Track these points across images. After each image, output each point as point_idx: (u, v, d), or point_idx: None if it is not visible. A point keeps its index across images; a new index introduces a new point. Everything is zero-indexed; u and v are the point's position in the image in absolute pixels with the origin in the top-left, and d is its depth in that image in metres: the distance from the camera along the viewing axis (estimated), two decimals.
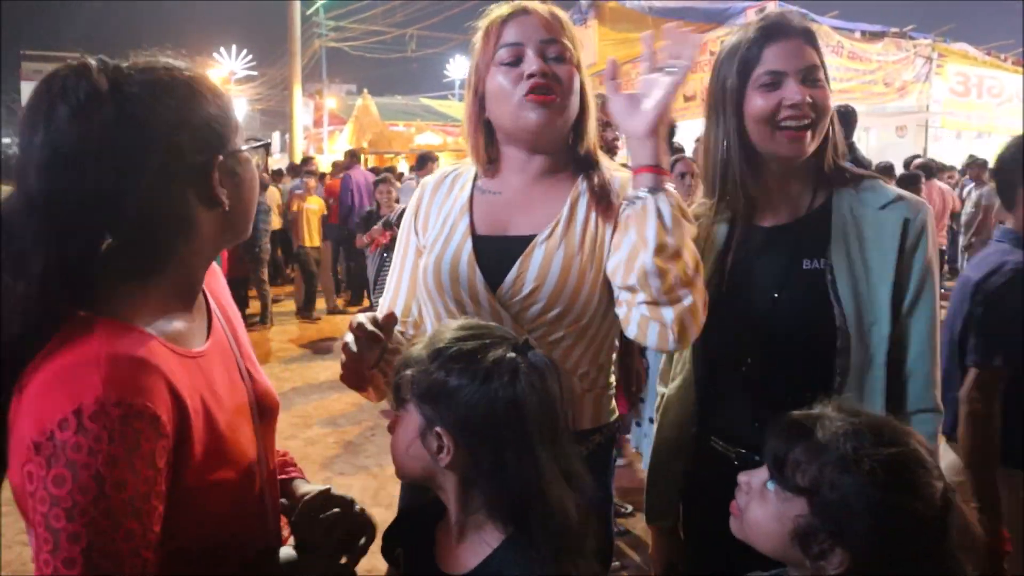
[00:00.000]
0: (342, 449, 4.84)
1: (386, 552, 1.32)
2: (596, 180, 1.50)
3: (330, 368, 6.35)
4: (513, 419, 1.11)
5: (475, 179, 1.58)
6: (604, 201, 1.48)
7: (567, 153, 1.54)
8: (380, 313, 1.64)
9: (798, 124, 1.43)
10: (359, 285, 9.61)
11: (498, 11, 1.49)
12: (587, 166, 1.53)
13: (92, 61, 0.98)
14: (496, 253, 1.46)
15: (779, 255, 1.52)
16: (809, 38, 1.48)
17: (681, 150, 6.23)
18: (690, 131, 7.47)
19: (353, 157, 11.10)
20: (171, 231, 1.02)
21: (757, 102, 1.45)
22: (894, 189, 1.52)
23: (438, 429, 1.13)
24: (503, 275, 1.43)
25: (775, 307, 1.49)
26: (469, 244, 1.47)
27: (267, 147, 1.19)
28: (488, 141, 1.54)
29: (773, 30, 1.47)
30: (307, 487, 1.30)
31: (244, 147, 1.09)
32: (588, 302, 1.44)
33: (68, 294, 0.95)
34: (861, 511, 0.99)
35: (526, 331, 1.40)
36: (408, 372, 1.17)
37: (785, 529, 1.06)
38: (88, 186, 0.94)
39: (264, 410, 1.19)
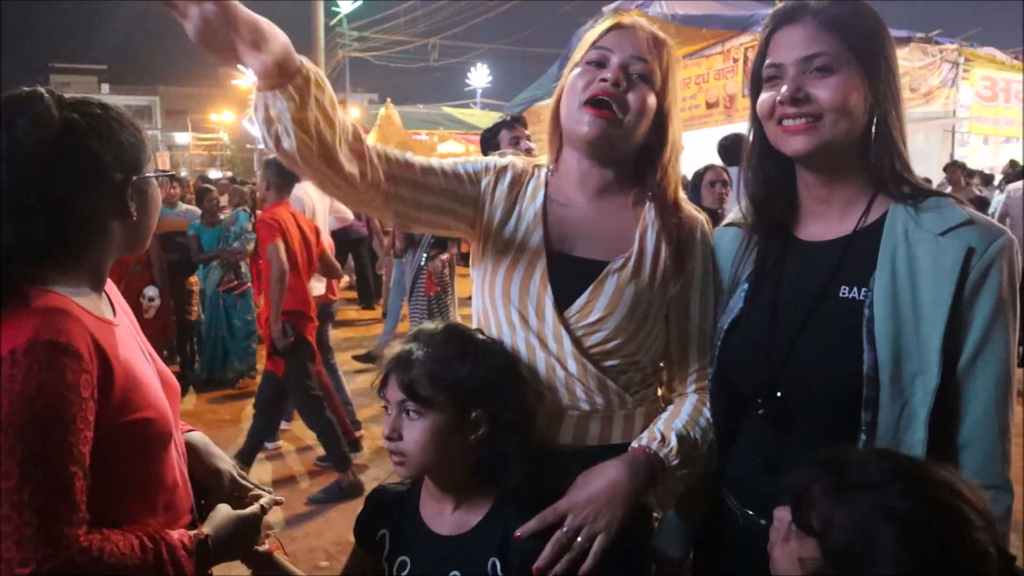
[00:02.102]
0: (375, 454, 5.00)
1: (366, 536, 1.48)
2: (669, 223, 1.48)
3: (368, 376, 6.44)
4: (521, 384, 1.41)
5: (546, 183, 1.55)
6: (677, 248, 1.47)
7: (631, 174, 1.51)
8: None
9: (796, 122, 1.25)
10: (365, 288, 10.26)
11: (609, 21, 1.49)
12: (657, 198, 1.50)
13: (42, 90, 1.20)
14: (567, 274, 1.45)
15: (815, 277, 1.30)
16: (829, 20, 1.25)
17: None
18: (711, 138, 7.47)
19: None
20: (89, 231, 1.24)
21: (760, 99, 1.32)
22: (967, 212, 1.22)
23: (476, 413, 1.33)
24: (571, 296, 1.44)
25: (798, 339, 1.29)
26: (543, 261, 1.45)
27: (172, 177, 1.48)
28: (560, 137, 1.53)
29: (782, 16, 1.30)
30: (194, 436, 1.51)
31: (153, 174, 1.33)
32: (646, 338, 1.47)
33: (28, 269, 1.16)
34: (866, 554, 0.89)
35: (585, 355, 1.43)
36: (416, 373, 1.31)
37: (799, 572, 0.98)
38: (43, 184, 1.17)
39: (166, 386, 1.39)
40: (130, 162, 1.26)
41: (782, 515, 1.04)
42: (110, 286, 1.45)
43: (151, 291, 5.48)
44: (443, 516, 1.40)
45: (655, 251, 1.46)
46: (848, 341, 1.22)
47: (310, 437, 5.15)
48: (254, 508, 1.40)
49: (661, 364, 1.58)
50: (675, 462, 1.38)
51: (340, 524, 4.00)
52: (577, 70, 1.46)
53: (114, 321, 1.27)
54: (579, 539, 1.29)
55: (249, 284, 6.65)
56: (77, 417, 1.07)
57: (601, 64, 1.43)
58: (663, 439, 1.40)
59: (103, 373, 1.13)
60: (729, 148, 5.58)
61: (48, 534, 1.02)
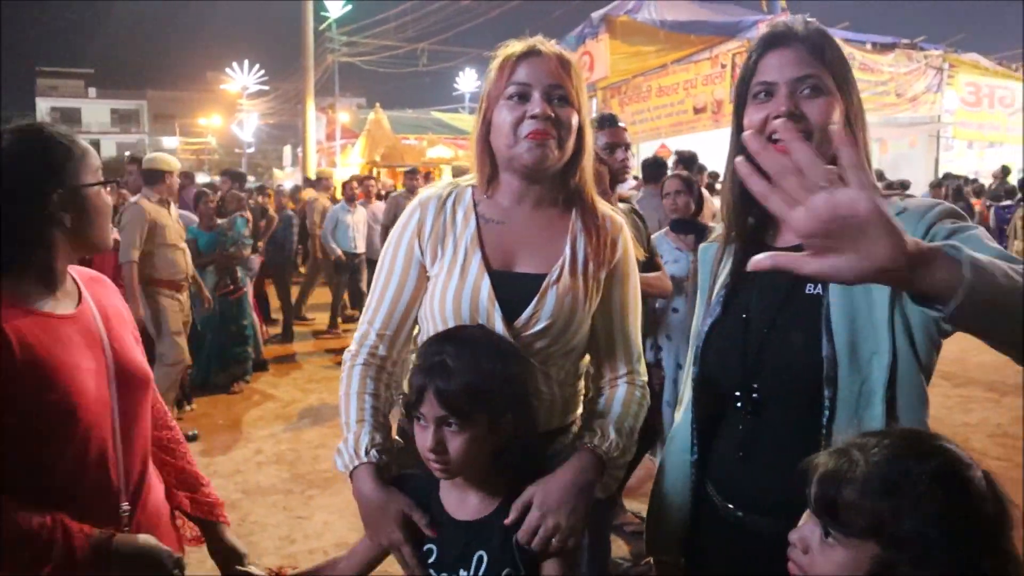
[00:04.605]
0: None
1: None
2: (592, 226, 1.67)
3: None
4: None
5: (475, 204, 1.68)
6: (600, 247, 1.66)
7: (559, 184, 1.67)
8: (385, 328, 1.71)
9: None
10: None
11: (513, 48, 1.62)
12: (579, 201, 1.69)
13: None
14: (510, 289, 1.60)
15: (783, 279, 1.35)
16: (814, 46, 1.37)
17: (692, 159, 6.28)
18: (701, 144, 7.58)
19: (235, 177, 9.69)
20: (29, 240, 1.42)
21: (750, 116, 1.40)
22: (904, 202, 1.34)
23: (506, 416, 1.43)
24: (516, 309, 1.59)
25: (768, 336, 1.41)
26: (487, 281, 1.59)
27: (112, 183, 1.63)
28: (491, 163, 1.67)
29: (772, 38, 1.40)
30: (231, 539, 1.73)
31: (87, 183, 1.47)
32: (583, 334, 1.67)
33: None
34: (933, 530, 0.94)
35: (533, 357, 1.59)
36: (455, 386, 1.38)
37: (863, 574, 0.99)
38: None
39: (126, 377, 1.52)
40: (58, 176, 1.42)
41: (805, 534, 1.07)
42: (109, 287, 1.64)
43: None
44: (464, 503, 1.51)
45: (585, 255, 1.65)
46: (811, 332, 1.34)
47: (311, 445, 5.19)
48: (163, 547, 1.47)
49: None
50: (616, 454, 1.57)
51: (339, 526, 4.05)
52: (502, 108, 1.59)
53: (63, 314, 1.43)
54: (546, 524, 1.45)
55: (245, 289, 6.67)
56: None
57: (524, 97, 1.58)
58: (603, 434, 1.58)
59: (7, 357, 1.29)
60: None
61: None
